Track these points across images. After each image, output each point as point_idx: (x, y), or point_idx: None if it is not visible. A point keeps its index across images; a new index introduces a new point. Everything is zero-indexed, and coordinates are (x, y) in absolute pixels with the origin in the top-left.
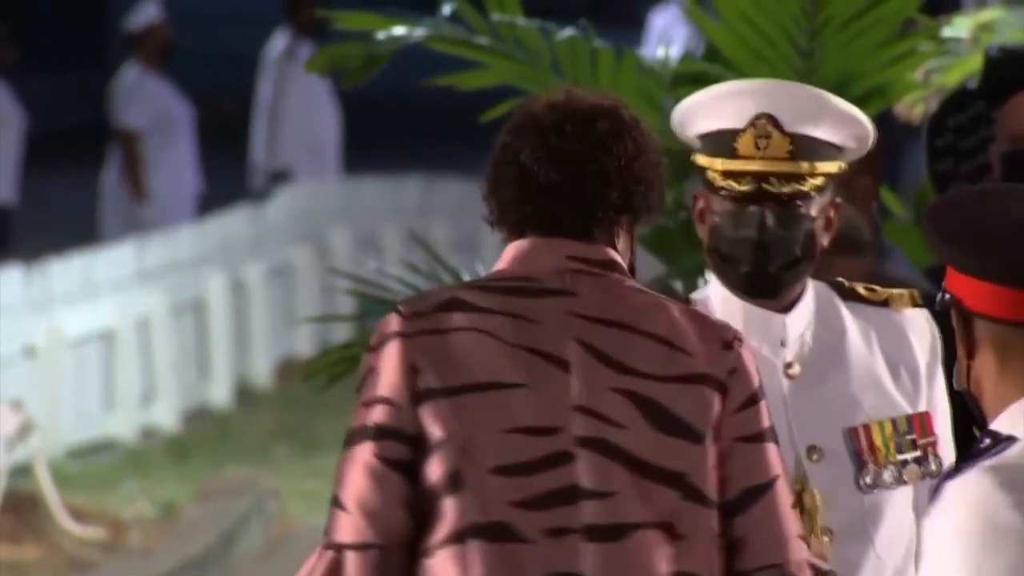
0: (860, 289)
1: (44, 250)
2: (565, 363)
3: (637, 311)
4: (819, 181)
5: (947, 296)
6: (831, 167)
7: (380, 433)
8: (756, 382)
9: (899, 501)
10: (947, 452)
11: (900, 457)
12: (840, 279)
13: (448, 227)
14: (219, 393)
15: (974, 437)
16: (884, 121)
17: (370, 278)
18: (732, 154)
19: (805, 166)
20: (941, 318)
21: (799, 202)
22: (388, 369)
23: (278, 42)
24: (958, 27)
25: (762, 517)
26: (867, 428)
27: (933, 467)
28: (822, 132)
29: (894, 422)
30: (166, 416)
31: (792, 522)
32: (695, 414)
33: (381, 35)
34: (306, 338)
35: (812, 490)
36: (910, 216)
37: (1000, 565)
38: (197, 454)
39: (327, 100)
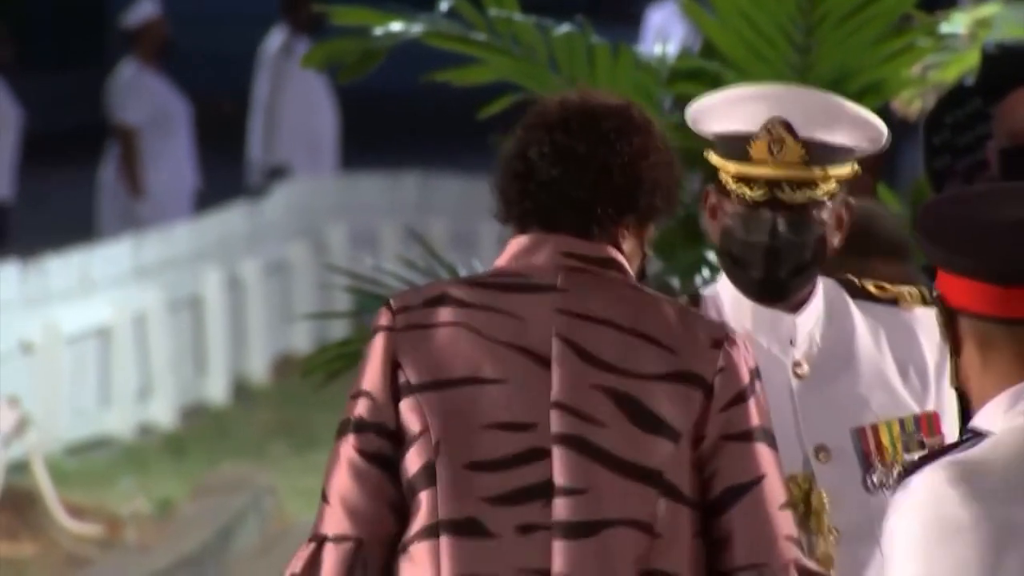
0: (870, 287)
1: (41, 247)
2: (546, 359)
3: (626, 309)
4: (832, 186)
5: (935, 294)
6: (844, 170)
7: (360, 427)
8: (746, 380)
9: None
10: None
11: (908, 457)
12: (850, 276)
13: (446, 223)
14: (216, 390)
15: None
16: (881, 117)
17: (367, 274)
18: (745, 158)
19: (818, 172)
20: None
21: (812, 208)
22: (372, 363)
23: (275, 39)
24: (955, 23)
25: (745, 516)
26: (875, 428)
27: None
28: (836, 137)
29: (902, 422)
30: (163, 413)
31: (781, 522)
32: (675, 413)
33: (378, 31)
34: (303, 334)
35: (820, 490)
36: (907, 213)
37: (950, 561)
38: (194, 451)
39: (324, 96)
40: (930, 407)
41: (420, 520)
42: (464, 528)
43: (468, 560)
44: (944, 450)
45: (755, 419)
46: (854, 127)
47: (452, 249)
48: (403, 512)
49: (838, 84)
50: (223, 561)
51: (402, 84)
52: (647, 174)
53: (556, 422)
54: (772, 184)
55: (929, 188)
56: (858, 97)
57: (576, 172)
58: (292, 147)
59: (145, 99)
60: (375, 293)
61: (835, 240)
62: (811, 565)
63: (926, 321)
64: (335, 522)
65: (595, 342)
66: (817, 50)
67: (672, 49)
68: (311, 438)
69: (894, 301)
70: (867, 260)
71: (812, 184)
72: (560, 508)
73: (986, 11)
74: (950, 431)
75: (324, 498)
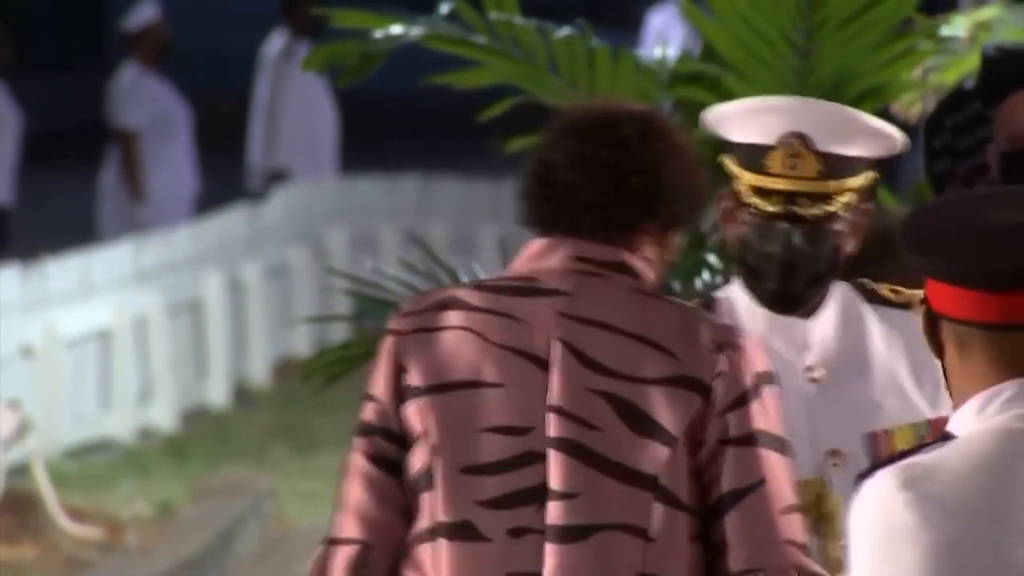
0: (884, 291)
1: (41, 250)
2: (545, 363)
3: (630, 313)
4: (847, 198)
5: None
6: (859, 181)
7: (367, 431)
8: (748, 384)
9: None
10: None
11: None
12: (864, 280)
13: (446, 227)
14: (216, 393)
15: None
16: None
17: (367, 278)
18: (761, 170)
19: (834, 185)
20: None
21: (827, 220)
22: (379, 367)
23: (275, 41)
24: (956, 26)
25: (744, 520)
26: (888, 433)
27: None
28: (853, 150)
29: (915, 427)
30: (163, 416)
31: (783, 527)
32: (672, 417)
33: (378, 34)
34: (303, 338)
35: (833, 494)
36: None
37: (896, 566)
38: (194, 454)
39: (324, 99)
40: (944, 412)
41: (420, 523)
42: (458, 531)
43: (461, 564)
44: (907, 453)
45: (758, 423)
46: (870, 139)
47: (452, 252)
48: (411, 516)
49: (838, 87)
50: (223, 564)
51: (402, 87)
52: (668, 180)
53: (552, 426)
54: (788, 198)
55: (929, 191)
56: (858, 101)
57: (594, 177)
58: (292, 150)
59: (145, 103)
60: (375, 296)
61: (850, 247)
62: (816, 569)
63: None
64: (344, 526)
65: (596, 346)
66: (817, 53)
67: (672, 52)
68: (311, 441)
69: (908, 306)
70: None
71: (828, 198)
72: (552, 512)
73: (986, 14)
74: None
75: (339, 500)
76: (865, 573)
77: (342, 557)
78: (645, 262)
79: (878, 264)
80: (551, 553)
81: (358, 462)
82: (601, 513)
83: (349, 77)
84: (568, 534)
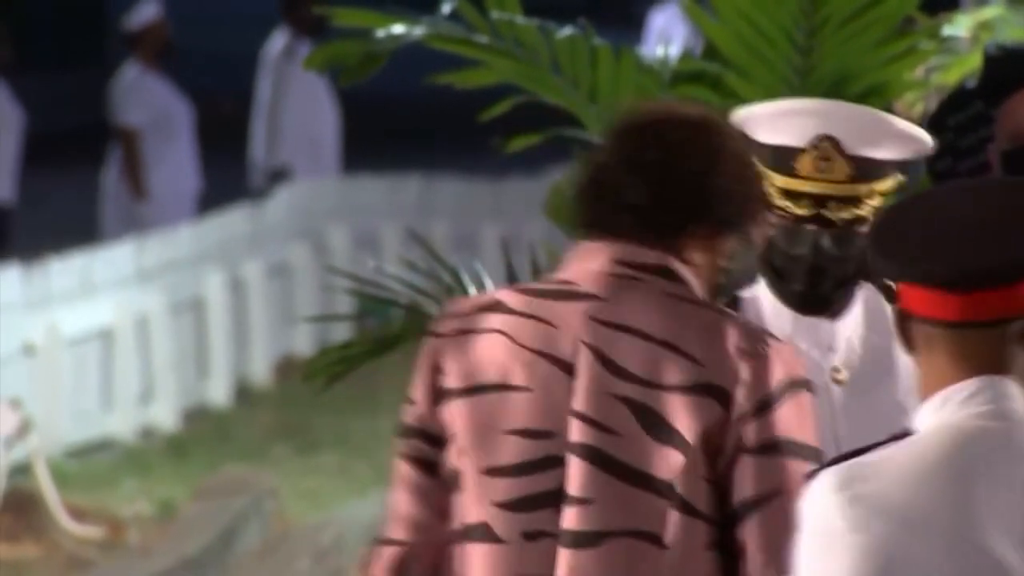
0: None
1: (43, 249)
2: (572, 367)
3: (659, 318)
4: (877, 201)
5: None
6: (889, 184)
7: (407, 432)
8: (773, 391)
9: None
10: None
11: None
12: (889, 282)
13: (447, 226)
14: (218, 392)
15: None
16: None
17: (369, 277)
18: (791, 173)
19: (864, 188)
20: None
21: (856, 223)
22: (419, 368)
23: (277, 41)
24: (958, 26)
25: (763, 529)
26: None
27: None
28: (883, 153)
29: None
30: (165, 415)
31: None
32: (689, 424)
33: (380, 33)
34: (305, 337)
35: None
36: None
37: (829, 568)
38: (196, 453)
39: (326, 98)
40: None
41: (453, 524)
42: (477, 533)
43: (477, 565)
44: (859, 452)
45: (782, 431)
46: (899, 142)
47: (454, 251)
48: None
49: (840, 87)
50: (224, 563)
51: (404, 86)
52: (718, 184)
53: (574, 431)
54: (818, 201)
55: None
56: (860, 100)
57: (640, 179)
58: (294, 149)
59: (147, 102)
60: (377, 296)
61: None
62: None
63: None
64: (390, 527)
65: (621, 351)
66: (819, 52)
67: (674, 51)
68: (313, 440)
69: None
70: None
71: (857, 201)
72: (568, 517)
73: (988, 13)
74: None
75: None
76: (802, 574)
77: (384, 558)
78: (690, 267)
79: None
80: (564, 558)
81: (400, 464)
82: (616, 519)
83: (351, 77)
84: (581, 539)
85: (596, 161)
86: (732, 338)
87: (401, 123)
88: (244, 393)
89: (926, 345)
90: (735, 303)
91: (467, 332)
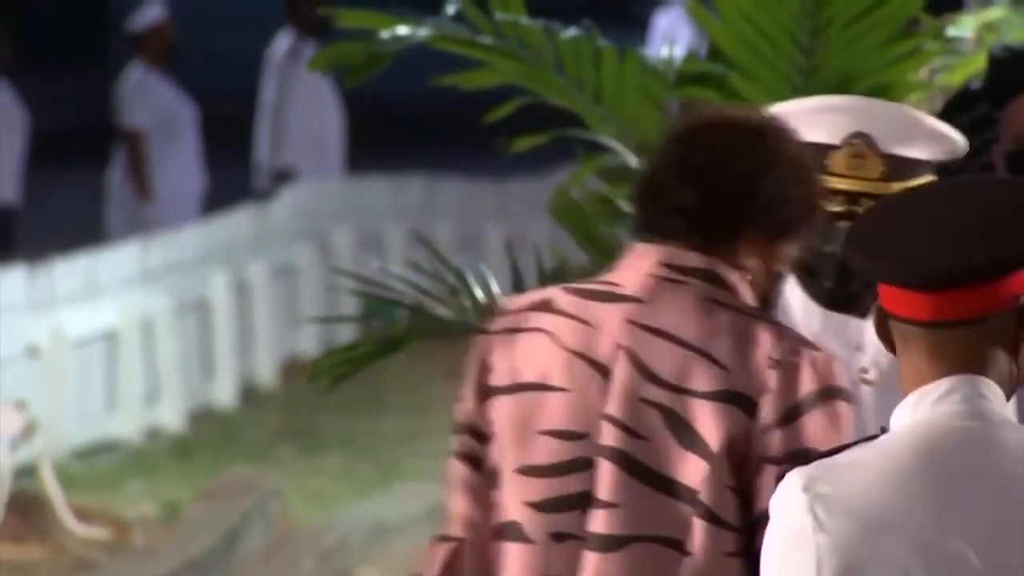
0: None
1: (48, 250)
2: (608, 370)
3: (694, 323)
4: None
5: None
6: (920, 182)
7: (459, 428)
8: (802, 401)
9: None
10: None
11: None
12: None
13: (452, 227)
14: (223, 393)
15: None
16: None
17: (373, 278)
18: (824, 170)
19: (897, 187)
20: None
21: None
22: (470, 365)
23: (282, 42)
24: (962, 27)
25: None
26: None
27: None
28: (915, 152)
29: None
30: (170, 416)
31: None
32: (714, 432)
33: (385, 34)
34: (310, 338)
35: None
36: None
37: (793, 568)
38: (201, 454)
39: (331, 99)
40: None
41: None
42: (509, 532)
43: (507, 563)
44: (832, 452)
45: (807, 442)
46: (932, 141)
47: (458, 252)
48: None
49: (844, 87)
50: (229, 565)
51: (408, 87)
52: (772, 187)
53: (605, 434)
54: (850, 198)
55: None
56: None
57: (692, 182)
58: (299, 150)
59: (152, 103)
60: (381, 296)
61: None
62: None
63: None
64: (447, 523)
65: (654, 355)
66: (822, 53)
67: (678, 52)
68: (318, 442)
69: None
70: None
71: None
72: (594, 520)
73: (993, 14)
74: None
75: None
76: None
77: (439, 554)
78: (738, 271)
79: None
80: (588, 561)
81: (453, 461)
82: (641, 524)
83: (355, 78)
84: (607, 543)
85: (651, 164)
86: (764, 346)
87: (405, 124)
88: (249, 394)
89: (903, 344)
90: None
91: (515, 330)
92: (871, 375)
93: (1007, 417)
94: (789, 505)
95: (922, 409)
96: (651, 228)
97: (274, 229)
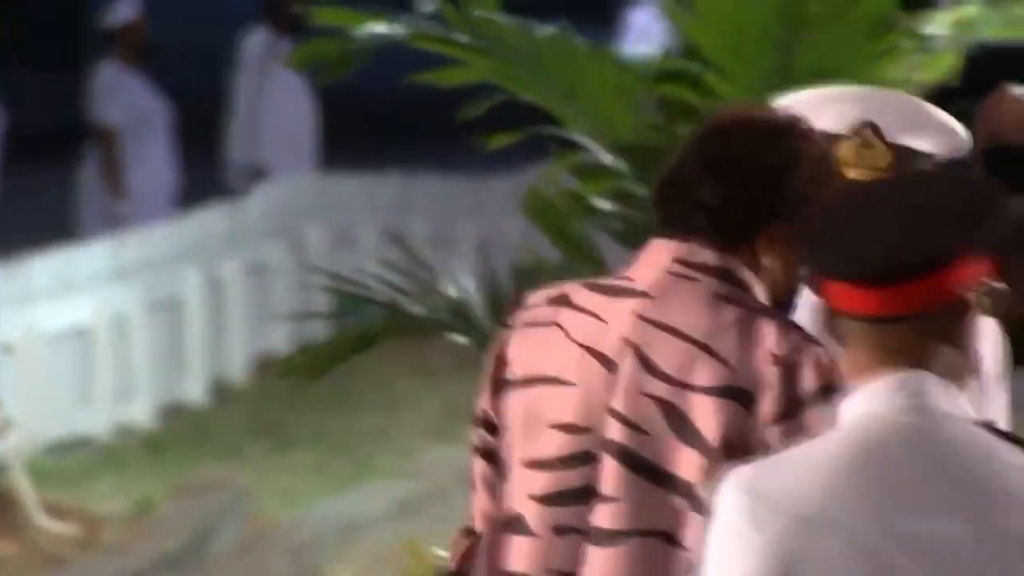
0: (979, 296)
1: (21, 247)
2: (614, 364)
3: (701, 319)
4: None
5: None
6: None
7: (477, 422)
8: (802, 399)
9: None
10: None
11: None
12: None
13: (426, 224)
14: (195, 390)
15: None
16: None
17: (347, 275)
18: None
19: None
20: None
21: None
22: (489, 358)
23: (256, 39)
24: (938, 24)
25: None
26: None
27: None
28: (922, 143)
29: (998, 429)
30: (142, 413)
31: None
32: (713, 428)
33: (360, 32)
34: (283, 335)
35: None
36: None
37: (733, 566)
38: (173, 451)
39: (305, 97)
40: (987, 415)
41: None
42: (514, 525)
43: (513, 557)
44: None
45: (807, 439)
46: (940, 134)
47: (432, 249)
48: None
49: (820, 84)
50: (201, 561)
51: (383, 84)
52: (793, 186)
53: (609, 429)
54: None
55: None
56: None
57: (712, 180)
58: (272, 148)
59: (125, 100)
60: (355, 294)
61: None
62: None
63: (987, 331)
64: (469, 516)
65: (659, 351)
66: (799, 51)
67: (654, 50)
68: (290, 439)
69: (988, 311)
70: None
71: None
72: (596, 514)
73: (968, 12)
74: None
75: None
76: (712, 572)
77: (460, 547)
78: (754, 268)
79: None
80: (590, 555)
81: (472, 455)
82: (641, 519)
83: (331, 75)
84: (608, 538)
85: (674, 160)
86: (767, 343)
87: (380, 121)
88: (221, 391)
89: (849, 339)
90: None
91: (532, 324)
92: None
93: (951, 412)
94: (729, 503)
95: (865, 404)
96: (671, 224)
97: (247, 226)
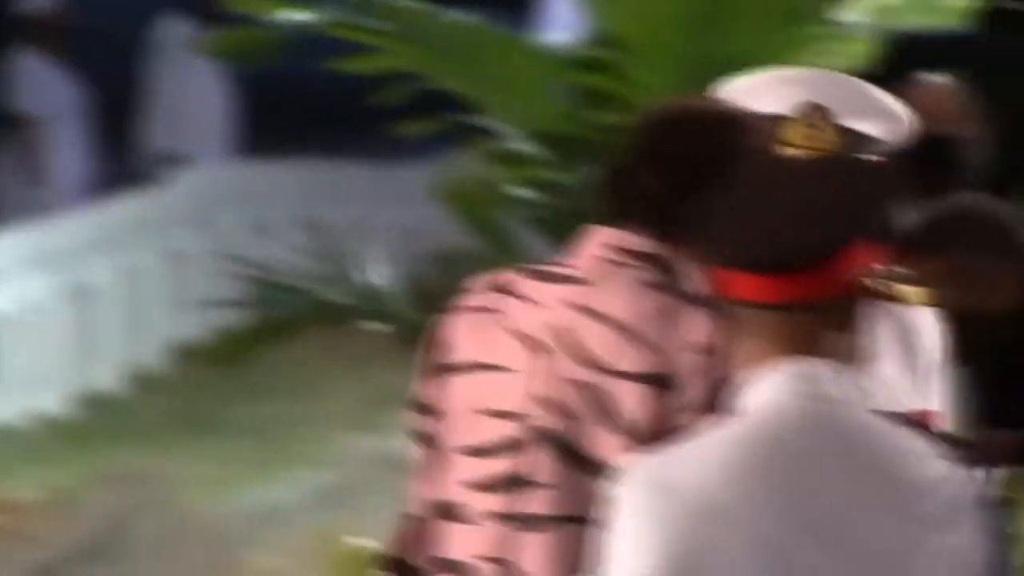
0: (875, 284)
1: None
2: (544, 350)
3: (629, 305)
4: None
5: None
6: (874, 161)
7: (416, 407)
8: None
9: None
10: None
11: None
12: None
13: (343, 212)
14: (112, 378)
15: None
16: None
17: (265, 263)
18: (779, 141)
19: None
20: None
21: None
22: (427, 344)
23: (172, 25)
24: (859, 11)
25: None
26: (920, 424)
27: None
28: (868, 127)
29: (899, 416)
30: (58, 401)
31: None
32: (640, 413)
33: (277, 18)
34: (199, 323)
35: None
36: None
37: (632, 558)
38: (90, 439)
39: (221, 84)
40: (927, 405)
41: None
42: (443, 511)
43: (440, 543)
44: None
45: None
46: (886, 119)
47: (350, 238)
48: None
49: (738, 72)
50: (120, 550)
51: (301, 71)
52: (736, 178)
53: (537, 414)
54: None
55: None
56: None
57: (656, 170)
58: (188, 135)
59: (44, 88)
60: (271, 282)
61: None
62: None
63: (927, 321)
64: (409, 501)
65: (586, 336)
66: (716, 39)
67: (571, 37)
68: (208, 426)
69: (898, 299)
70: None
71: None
72: (526, 501)
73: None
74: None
75: None
76: (611, 563)
77: (397, 534)
78: (693, 259)
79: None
80: (520, 541)
81: (410, 440)
82: (570, 505)
83: (247, 62)
84: (538, 524)
85: (619, 151)
86: (694, 330)
87: (297, 108)
88: (139, 379)
89: (744, 328)
90: None
91: (473, 310)
92: None
93: (848, 399)
94: (628, 495)
95: (762, 393)
96: (613, 213)
97: (164, 214)
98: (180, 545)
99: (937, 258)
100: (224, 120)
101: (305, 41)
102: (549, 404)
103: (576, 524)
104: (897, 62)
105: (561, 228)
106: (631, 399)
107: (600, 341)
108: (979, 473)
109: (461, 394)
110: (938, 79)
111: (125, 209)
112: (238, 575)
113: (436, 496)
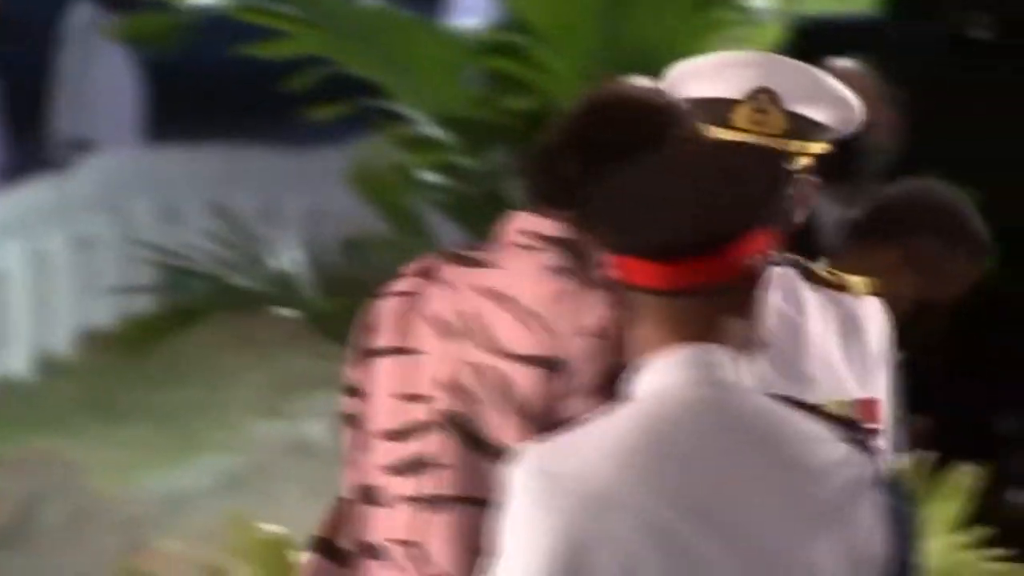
0: (822, 273)
1: None
2: (452, 334)
3: (529, 289)
4: (805, 162)
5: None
6: (818, 148)
7: (346, 389)
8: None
9: None
10: (886, 441)
11: None
12: (800, 259)
13: (251, 197)
14: (19, 364)
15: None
16: None
17: (173, 249)
18: (725, 124)
19: (796, 145)
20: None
21: None
22: (356, 328)
23: (80, 11)
24: None
25: None
26: (817, 408)
27: None
28: (817, 113)
29: (841, 405)
30: None
31: None
32: (534, 395)
33: (187, 4)
34: (108, 309)
35: None
36: None
37: (523, 548)
38: None
39: (129, 69)
40: (871, 393)
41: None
42: (362, 494)
43: (364, 527)
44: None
45: None
46: (835, 106)
47: (258, 223)
48: None
49: (648, 57)
50: (29, 537)
51: (209, 56)
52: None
53: (440, 397)
54: None
55: None
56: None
57: (579, 156)
58: (97, 121)
59: None
60: (181, 267)
61: (797, 217)
62: None
63: (872, 310)
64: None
65: (488, 319)
66: (626, 23)
67: (480, 23)
68: (117, 412)
69: (843, 288)
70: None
71: (789, 157)
72: (428, 482)
73: None
74: (885, 421)
75: None
76: (503, 552)
77: (328, 516)
78: (595, 243)
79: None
80: (423, 522)
81: (341, 423)
82: (471, 487)
83: (157, 47)
84: (442, 505)
85: (544, 136)
86: (591, 315)
87: (206, 94)
88: (46, 365)
89: (640, 314)
90: None
91: (397, 295)
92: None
93: (742, 384)
94: (519, 483)
95: (657, 379)
96: (535, 196)
97: (72, 200)
98: (88, 531)
99: (890, 245)
100: (133, 105)
101: (214, 26)
102: (453, 388)
103: (477, 506)
104: (805, 47)
105: (471, 213)
106: (526, 383)
107: (503, 326)
108: (882, 457)
109: (382, 378)
110: (847, 64)
111: (33, 194)
112: (147, 560)
113: (359, 480)
